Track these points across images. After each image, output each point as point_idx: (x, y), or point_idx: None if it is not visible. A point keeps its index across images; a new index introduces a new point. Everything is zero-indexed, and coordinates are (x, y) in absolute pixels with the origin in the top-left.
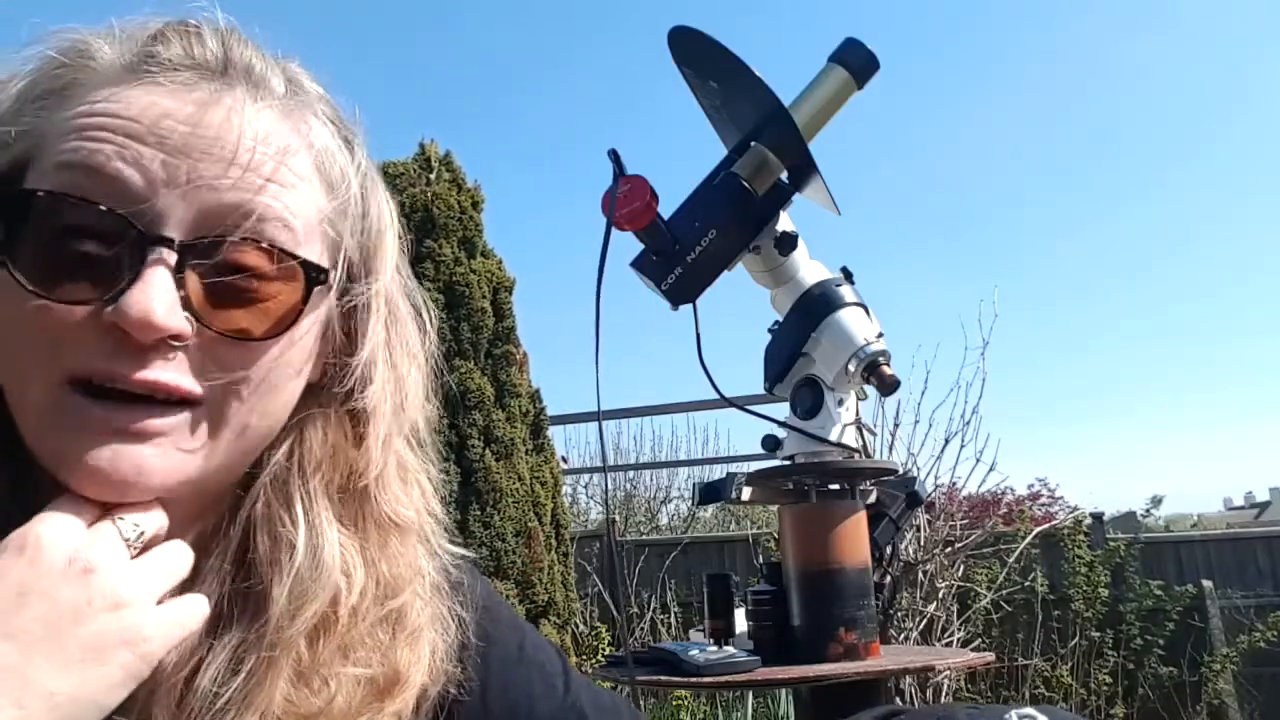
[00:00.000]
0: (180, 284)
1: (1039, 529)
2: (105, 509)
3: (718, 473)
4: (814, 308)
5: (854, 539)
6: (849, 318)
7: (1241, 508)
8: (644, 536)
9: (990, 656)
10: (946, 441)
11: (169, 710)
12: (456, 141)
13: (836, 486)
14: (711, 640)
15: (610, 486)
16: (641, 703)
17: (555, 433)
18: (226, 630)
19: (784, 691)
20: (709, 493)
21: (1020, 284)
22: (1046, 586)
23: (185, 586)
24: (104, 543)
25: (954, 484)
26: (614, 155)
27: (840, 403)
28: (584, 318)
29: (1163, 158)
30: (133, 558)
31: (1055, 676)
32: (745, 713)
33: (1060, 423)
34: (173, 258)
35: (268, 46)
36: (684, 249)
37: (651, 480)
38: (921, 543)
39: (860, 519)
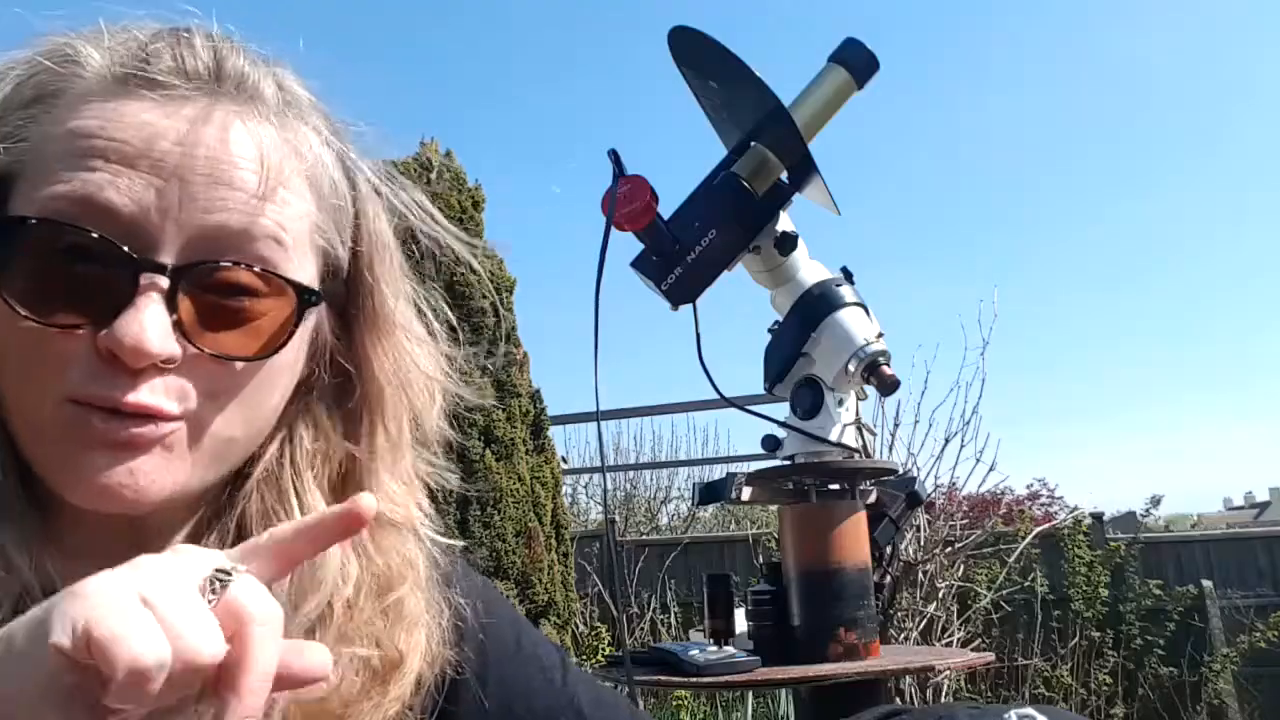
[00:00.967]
0: (173, 308)
1: (1039, 529)
2: None
3: (718, 473)
4: (814, 308)
5: (854, 539)
6: (849, 318)
7: (1241, 508)
8: (644, 536)
9: (990, 656)
10: (946, 441)
11: None
12: (457, 141)
13: (836, 486)
14: (711, 640)
15: (610, 486)
16: (641, 703)
17: (555, 433)
18: None
19: (784, 691)
20: (709, 493)
21: (1020, 284)
22: (1046, 586)
23: None
24: None
25: (954, 484)
26: (614, 155)
27: (840, 403)
28: (584, 318)
29: (1165, 157)
30: None
31: (1055, 676)
32: (745, 713)
33: (1060, 423)
34: (165, 283)
35: (268, 46)
36: (684, 249)
37: (651, 480)
38: (921, 543)
39: (860, 519)
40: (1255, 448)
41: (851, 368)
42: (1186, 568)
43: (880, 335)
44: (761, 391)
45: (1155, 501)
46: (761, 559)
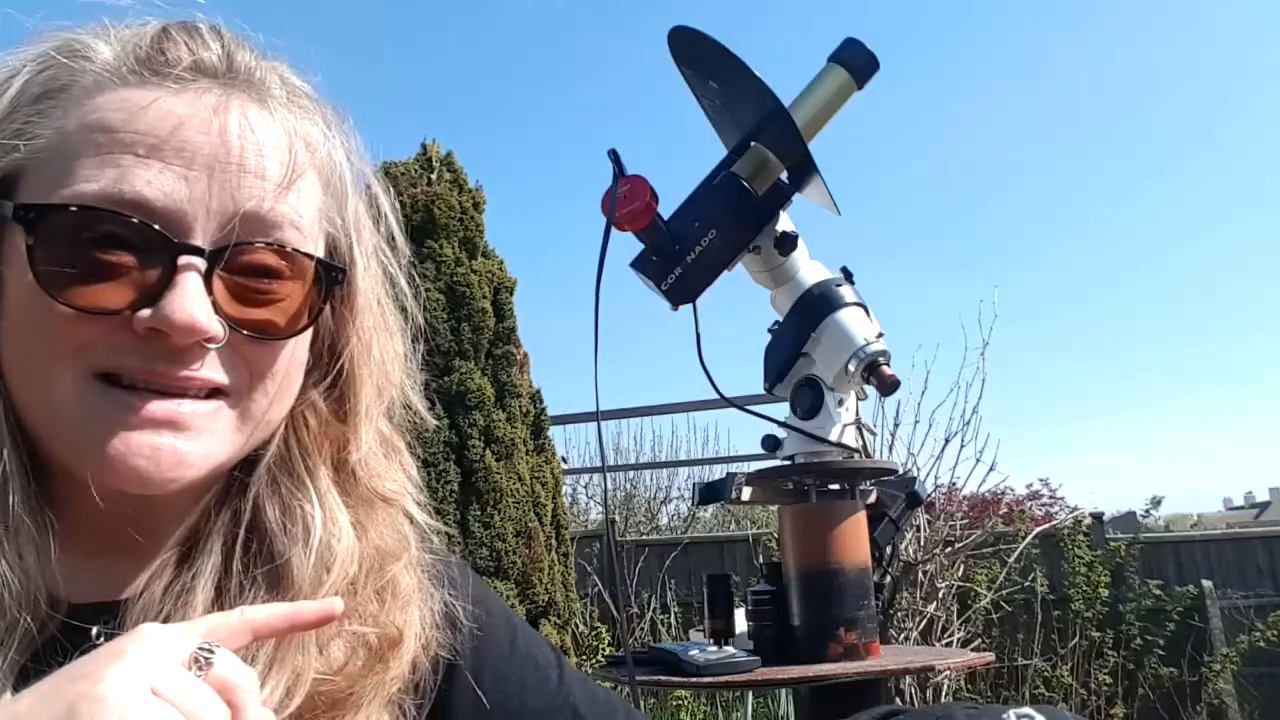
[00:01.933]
0: (209, 289)
1: (1039, 529)
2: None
3: (718, 473)
4: (814, 308)
5: (854, 539)
6: (849, 318)
7: (1241, 508)
8: (644, 536)
9: (990, 656)
10: (946, 441)
11: None
12: (458, 142)
13: (836, 486)
14: (711, 640)
15: (610, 486)
16: (641, 703)
17: (555, 433)
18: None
19: (784, 691)
20: (709, 493)
21: (1021, 284)
22: (1046, 587)
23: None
24: None
25: (954, 484)
26: (614, 155)
27: (840, 403)
28: (584, 318)
29: (1164, 156)
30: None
31: (1055, 676)
32: (745, 713)
33: (1060, 423)
34: (202, 265)
35: (266, 47)
36: (684, 249)
37: (651, 480)
38: (921, 543)
39: (860, 519)
40: (1255, 448)
41: (851, 368)
42: (1186, 568)
43: (880, 335)
44: (761, 391)
45: (1155, 502)
46: (761, 559)
